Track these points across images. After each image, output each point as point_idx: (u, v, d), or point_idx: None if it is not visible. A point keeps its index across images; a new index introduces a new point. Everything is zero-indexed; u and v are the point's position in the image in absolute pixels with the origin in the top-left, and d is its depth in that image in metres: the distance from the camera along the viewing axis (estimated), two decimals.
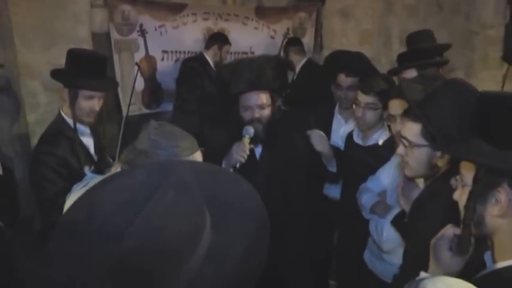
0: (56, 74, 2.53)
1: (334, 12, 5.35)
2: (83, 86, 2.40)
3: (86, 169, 2.37)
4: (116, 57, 4.22)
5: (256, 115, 2.45)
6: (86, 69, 2.40)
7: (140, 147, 1.48)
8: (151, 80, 4.59)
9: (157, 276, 0.76)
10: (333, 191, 3.24)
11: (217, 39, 4.57)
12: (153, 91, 4.64)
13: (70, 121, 2.45)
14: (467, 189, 1.23)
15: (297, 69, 4.74)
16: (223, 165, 2.45)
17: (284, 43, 5.12)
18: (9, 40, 3.23)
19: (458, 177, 1.31)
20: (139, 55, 4.41)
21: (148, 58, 4.48)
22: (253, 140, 2.46)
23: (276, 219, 2.50)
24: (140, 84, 4.50)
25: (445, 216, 1.46)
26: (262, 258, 0.88)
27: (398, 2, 5.35)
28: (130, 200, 0.78)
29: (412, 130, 1.71)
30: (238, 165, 2.39)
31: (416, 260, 1.71)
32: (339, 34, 5.33)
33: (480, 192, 1.19)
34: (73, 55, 2.48)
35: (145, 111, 4.60)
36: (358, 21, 5.33)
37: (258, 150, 2.57)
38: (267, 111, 2.48)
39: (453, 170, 1.49)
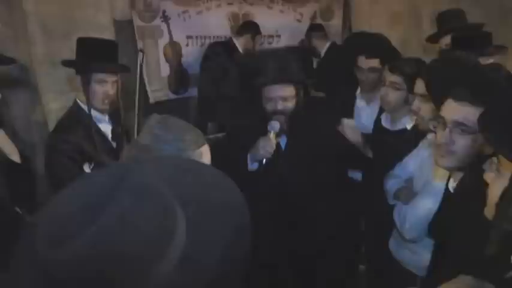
0: (67, 62, 2.55)
1: None
2: (93, 69, 2.42)
3: (86, 166, 2.38)
4: (140, 44, 4.20)
5: (279, 107, 2.43)
6: (96, 54, 2.41)
7: (143, 142, 1.42)
8: (177, 65, 4.60)
9: None
10: (358, 174, 3.19)
11: (252, 29, 4.57)
12: (179, 76, 4.65)
13: (86, 108, 2.46)
14: (503, 182, 1.11)
15: (322, 54, 4.69)
16: (248, 160, 2.46)
17: (307, 30, 5.05)
18: (22, 29, 3.24)
19: (494, 159, 1.18)
20: (163, 41, 4.42)
21: (173, 44, 4.48)
22: (278, 134, 2.46)
23: (303, 209, 2.53)
24: (165, 70, 4.53)
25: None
26: (243, 259, 0.84)
27: None
28: (84, 206, 0.72)
29: (471, 115, 1.53)
30: (264, 161, 2.40)
31: (450, 264, 1.64)
32: (368, 16, 5.16)
33: None
34: (83, 42, 2.50)
35: (172, 96, 4.63)
36: (387, 2, 5.15)
37: (283, 141, 2.56)
38: (290, 104, 2.45)
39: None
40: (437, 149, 1.69)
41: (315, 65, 5.00)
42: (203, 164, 1.07)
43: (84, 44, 2.49)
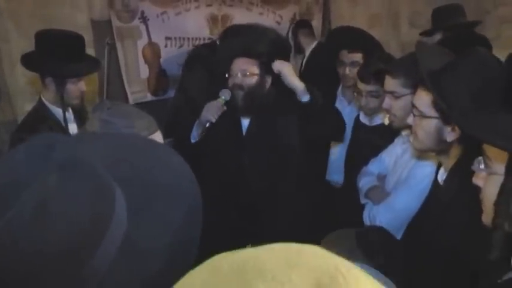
0: (34, 64, 2.43)
1: None
2: (72, 74, 2.34)
3: None
4: (118, 45, 4.17)
5: (237, 81, 2.39)
6: (69, 53, 2.32)
7: (91, 129, 1.37)
8: (156, 67, 4.54)
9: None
10: (336, 176, 3.17)
11: None
12: (158, 78, 4.59)
13: (52, 107, 2.39)
14: (496, 179, 1.05)
15: (307, 53, 4.68)
16: (195, 127, 2.45)
17: (293, 25, 5.05)
18: None
19: (481, 159, 1.13)
20: (142, 42, 4.36)
21: (151, 45, 4.43)
22: (230, 106, 2.42)
23: (263, 199, 2.45)
24: (145, 71, 4.47)
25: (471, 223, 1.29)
26: (193, 246, 0.76)
27: None
28: (1, 190, 0.62)
29: (423, 100, 1.59)
30: (208, 125, 2.37)
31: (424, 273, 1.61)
32: (348, 18, 5.19)
33: None
34: (48, 38, 2.38)
35: (151, 98, 4.56)
36: (366, 4, 5.20)
37: (245, 125, 2.51)
38: (251, 80, 2.40)
39: (471, 153, 1.32)
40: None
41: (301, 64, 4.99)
42: (152, 142, 0.98)
43: (50, 40, 2.37)
